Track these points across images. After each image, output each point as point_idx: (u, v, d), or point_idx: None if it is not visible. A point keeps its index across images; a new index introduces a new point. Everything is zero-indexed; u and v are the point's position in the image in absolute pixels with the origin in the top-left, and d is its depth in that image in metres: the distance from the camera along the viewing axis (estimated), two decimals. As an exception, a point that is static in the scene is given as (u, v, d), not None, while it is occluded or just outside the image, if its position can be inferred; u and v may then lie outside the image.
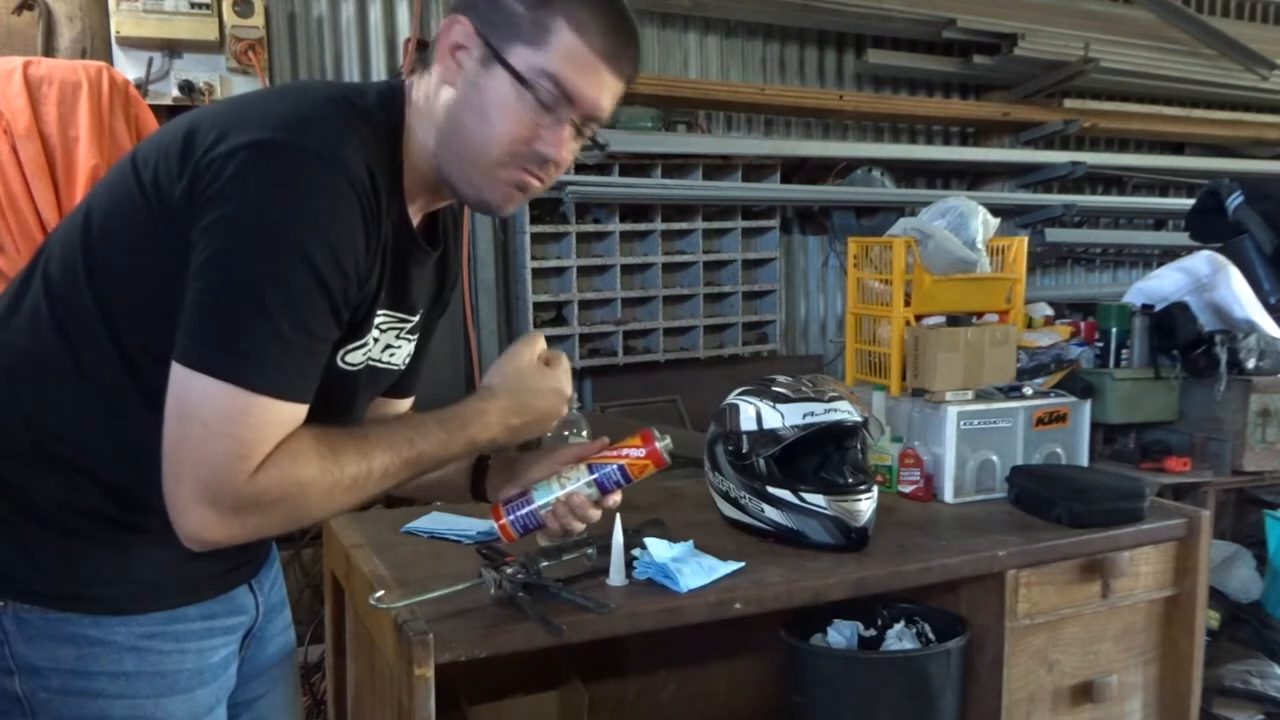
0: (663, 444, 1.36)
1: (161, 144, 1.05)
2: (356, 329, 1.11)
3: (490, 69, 1.08)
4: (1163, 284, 2.77)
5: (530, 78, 1.07)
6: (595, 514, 1.35)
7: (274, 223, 0.97)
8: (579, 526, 1.35)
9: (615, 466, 1.35)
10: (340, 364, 1.11)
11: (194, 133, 1.02)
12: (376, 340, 1.19)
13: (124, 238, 1.04)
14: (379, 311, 1.16)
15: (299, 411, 1.02)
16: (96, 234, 1.06)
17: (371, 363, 1.20)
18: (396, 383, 1.33)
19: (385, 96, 1.13)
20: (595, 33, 1.08)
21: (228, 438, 0.97)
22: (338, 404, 1.13)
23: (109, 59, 2.90)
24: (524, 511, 1.34)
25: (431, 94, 1.12)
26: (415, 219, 1.18)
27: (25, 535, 1.06)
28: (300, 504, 1.03)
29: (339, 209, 1.01)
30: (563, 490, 1.34)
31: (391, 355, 1.24)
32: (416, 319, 1.26)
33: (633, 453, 1.36)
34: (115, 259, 1.04)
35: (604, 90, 1.12)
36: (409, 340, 1.27)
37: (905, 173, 4.35)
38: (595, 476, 1.34)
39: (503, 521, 1.35)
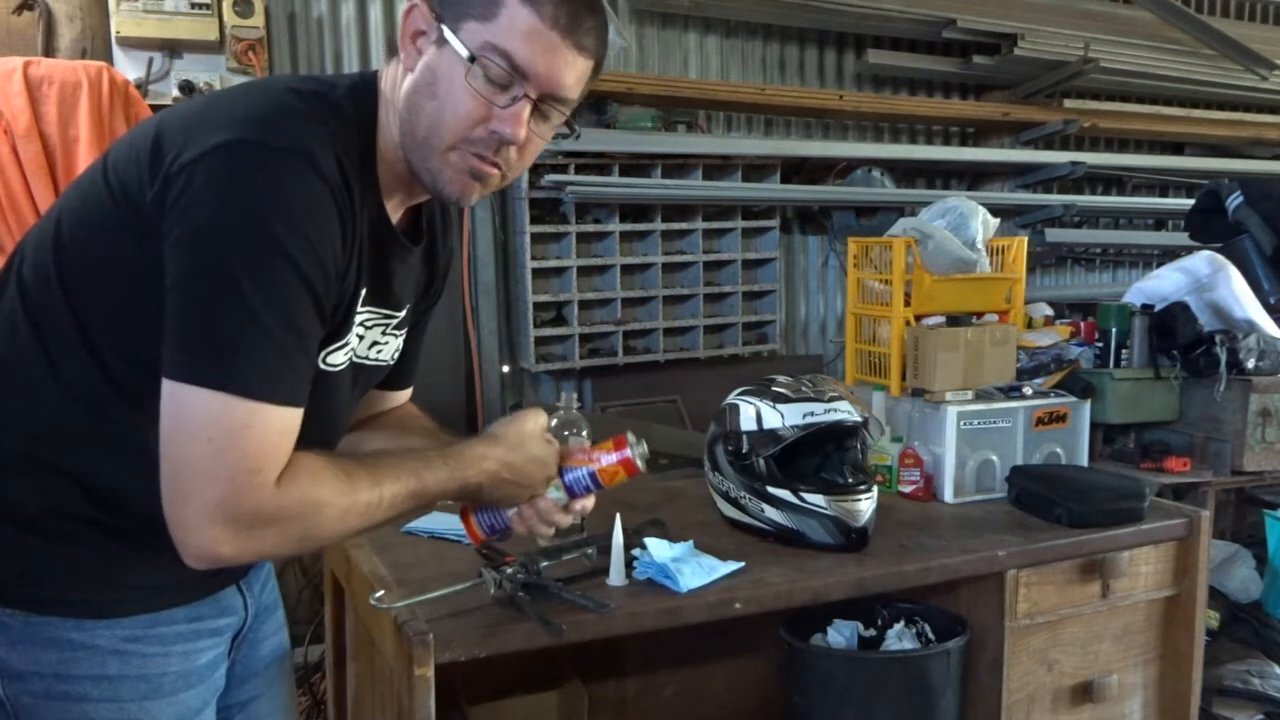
0: (638, 450, 1.30)
1: (131, 148, 1.04)
2: (337, 329, 1.10)
3: (442, 49, 1.06)
4: (1163, 284, 2.76)
5: (479, 53, 1.04)
6: (564, 519, 1.31)
7: (249, 224, 0.95)
8: (546, 531, 1.31)
9: (585, 471, 1.30)
10: (322, 365, 1.10)
11: (161, 137, 1.01)
12: (361, 338, 1.18)
13: (95, 242, 1.03)
14: (362, 309, 1.15)
15: (297, 415, 1.01)
16: (67, 238, 1.05)
17: (357, 360, 1.19)
18: (392, 376, 1.32)
19: (357, 89, 1.11)
20: (549, 4, 1.04)
21: (235, 453, 0.95)
22: (322, 406, 1.11)
23: (109, 59, 2.90)
24: (490, 513, 1.30)
25: (396, 83, 1.10)
26: (395, 214, 1.17)
27: (7, 540, 1.06)
28: (315, 523, 1.02)
29: (312, 204, 0.99)
30: None
31: (379, 352, 1.24)
32: (402, 314, 1.25)
33: (605, 459, 1.30)
34: (86, 263, 1.04)
35: (562, 65, 1.07)
36: (396, 336, 1.26)
37: (905, 173, 4.35)
38: (564, 480, 1.29)
39: (470, 523, 1.31)
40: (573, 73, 1.08)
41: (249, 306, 0.95)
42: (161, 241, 0.97)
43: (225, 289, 0.95)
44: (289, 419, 1.00)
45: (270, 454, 0.98)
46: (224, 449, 0.95)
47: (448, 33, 1.05)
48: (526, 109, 1.07)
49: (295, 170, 0.98)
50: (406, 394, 1.42)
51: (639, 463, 1.31)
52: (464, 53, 1.04)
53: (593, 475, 1.30)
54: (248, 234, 0.96)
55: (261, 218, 0.96)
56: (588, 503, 1.32)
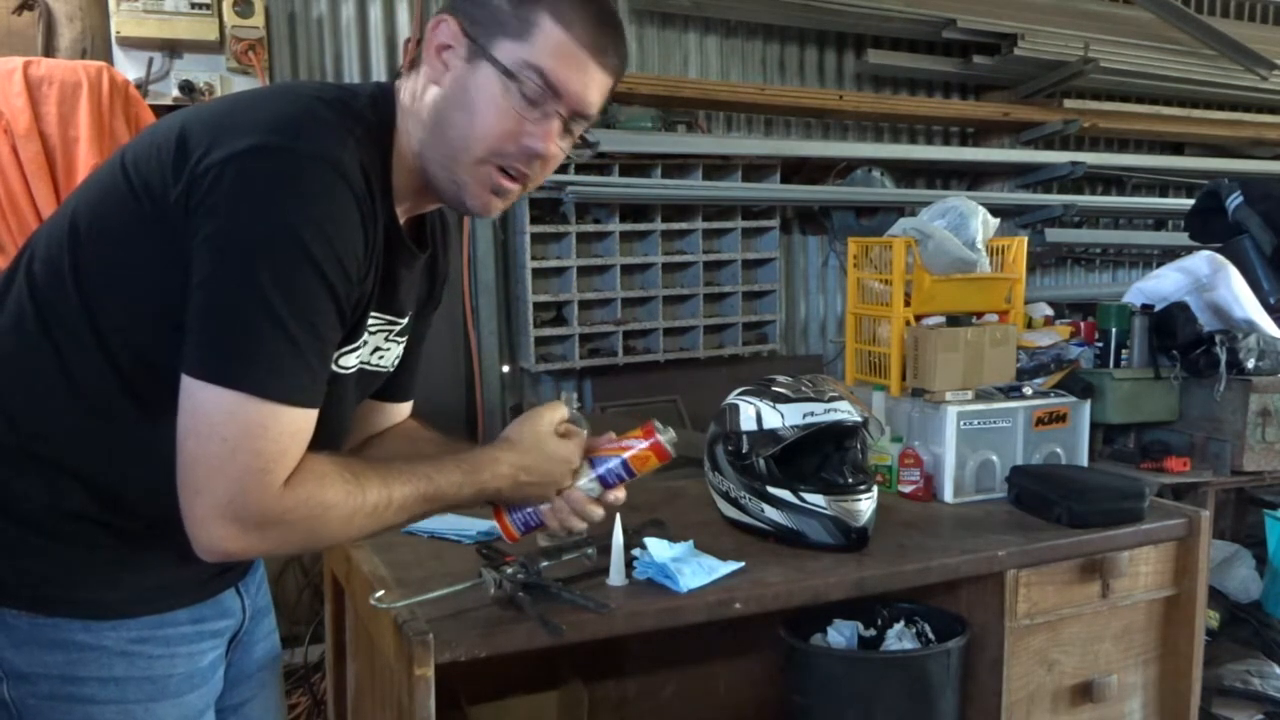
0: (666, 436, 1.32)
1: (153, 146, 1.04)
2: (352, 332, 1.11)
3: (476, 65, 1.09)
4: (1163, 284, 2.76)
5: (516, 70, 1.07)
6: (597, 511, 1.30)
7: (275, 228, 0.97)
8: (580, 525, 1.31)
9: (618, 460, 1.31)
10: (334, 367, 1.10)
11: (187, 136, 1.02)
12: (366, 343, 1.19)
13: (113, 240, 1.04)
14: (370, 313, 1.16)
15: (312, 417, 1.02)
16: (84, 235, 1.05)
17: (363, 366, 1.20)
18: (392, 386, 1.33)
19: (377, 98, 1.13)
20: (579, 26, 1.08)
21: (248, 452, 0.96)
22: (331, 408, 1.11)
23: (109, 59, 2.90)
24: (525, 510, 1.30)
25: (418, 94, 1.12)
26: (402, 220, 1.18)
27: (11, 539, 1.06)
28: (322, 525, 1.03)
29: (337, 210, 1.01)
30: None
31: (380, 357, 1.24)
32: (405, 321, 1.26)
33: (636, 445, 1.32)
34: (103, 260, 1.04)
35: (590, 84, 1.11)
36: (398, 343, 1.27)
37: (905, 173, 4.35)
38: (597, 472, 1.30)
39: (504, 521, 1.31)
40: (597, 90, 1.13)
41: (272, 309, 0.96)
42: (184, 240, 0.98)
43: (249, 291, 0.96)
44: (304, 421, 1.01)
45: (282, 455, 0.99)
46: (238, 448, 0.96)
47: (484, 51, 1.08)
48: (557, 125, 1.11)
49: (323, 177, 1.00)
50: (408, 407, 1.42)
51: (669, 447, 1.32)
52: (503, 71, 1.07)
53: (625, 464, 1.31)
54: (274, 238, 0.97)
55: (289, 223, 0.97)
56: (620, 494, 1.32)
